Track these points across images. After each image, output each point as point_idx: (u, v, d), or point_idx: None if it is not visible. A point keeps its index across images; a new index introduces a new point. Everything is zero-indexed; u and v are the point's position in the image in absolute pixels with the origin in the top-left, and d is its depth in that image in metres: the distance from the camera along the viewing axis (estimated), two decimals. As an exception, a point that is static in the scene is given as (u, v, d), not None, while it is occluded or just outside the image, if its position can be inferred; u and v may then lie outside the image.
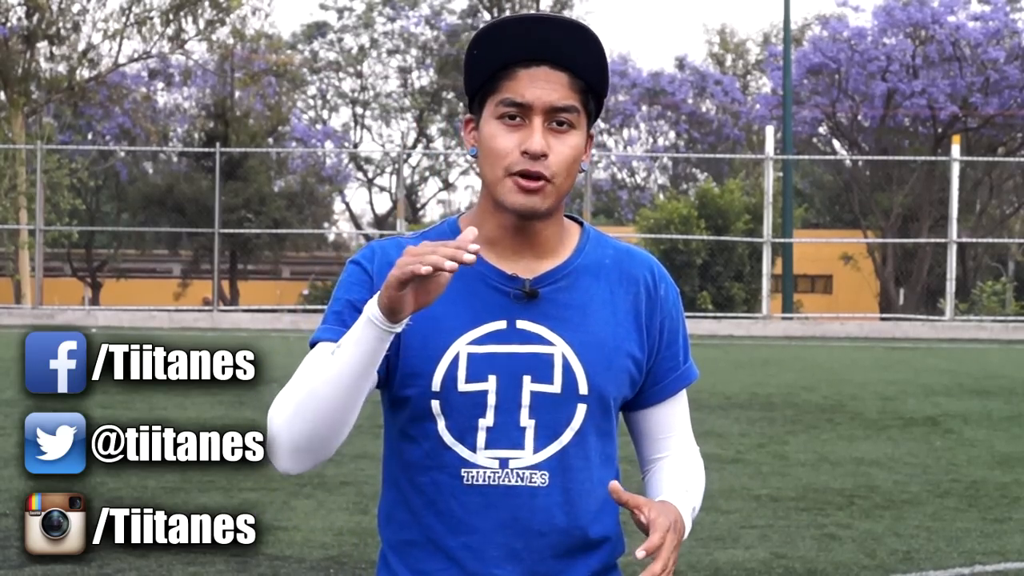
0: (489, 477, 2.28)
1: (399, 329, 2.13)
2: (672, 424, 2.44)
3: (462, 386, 2.27)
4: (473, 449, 2.28)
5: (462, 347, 2.28)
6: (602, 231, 2.48)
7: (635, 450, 2.49)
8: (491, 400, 2.28)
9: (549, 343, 2.30)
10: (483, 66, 2.28)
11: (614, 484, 2.21)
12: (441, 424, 2.28)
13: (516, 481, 2.28)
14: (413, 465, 2.31)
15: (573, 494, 2.31)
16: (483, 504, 2.28)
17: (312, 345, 2.29)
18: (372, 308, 2.12)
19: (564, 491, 2.30)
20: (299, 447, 2.20)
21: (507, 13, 52.33)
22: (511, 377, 2.28)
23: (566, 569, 2.32)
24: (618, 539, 2.41)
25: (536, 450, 2.29)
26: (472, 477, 2.28)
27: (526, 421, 2.28)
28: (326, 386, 2.16)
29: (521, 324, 2.30)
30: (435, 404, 2.28)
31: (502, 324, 2.30)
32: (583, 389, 2.30)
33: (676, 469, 2.41)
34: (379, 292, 2.12)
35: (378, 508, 2.42)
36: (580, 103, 2.28)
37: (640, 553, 2.16)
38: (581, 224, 2.42)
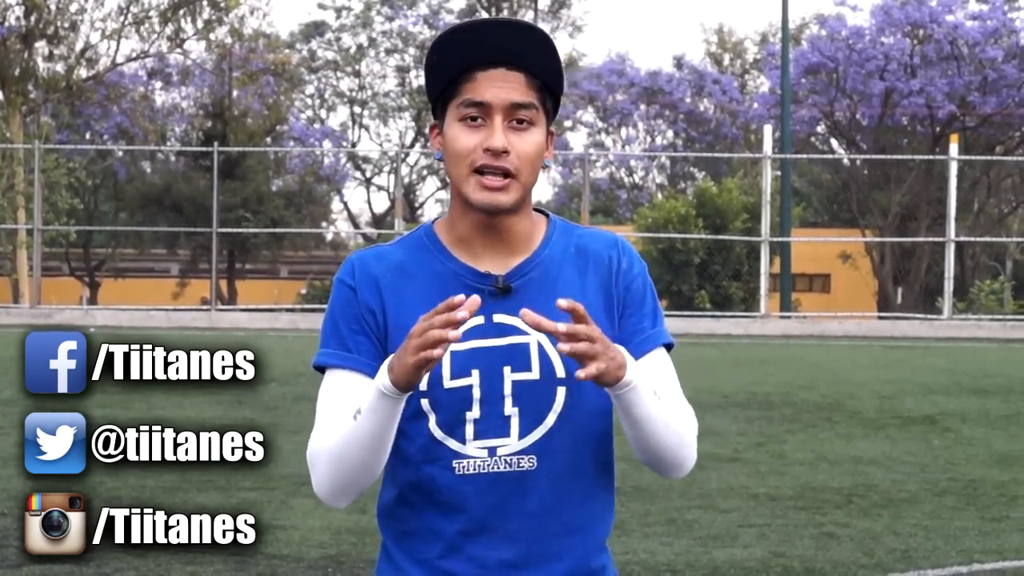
0: (479, 466, 2.38)
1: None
2: None
3: (447, 383, 2.37)
4: (463, 441, 2.38)
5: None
6: (570, 221, 2.56)
7: None
8: (476, 394, 2.38)
9: (524, 333, 2.39)
10: (443, 72, 2.41)
11: (524, 310, 2.25)
12: (432, 420, 2.38)
13: (504, 468, 2.38)
14: (409, 460, 2.41)
15: (561, 474, 2.40)
16: (475, 491, 2.38)
17: (318, 369, 2.43)
18: (384, 381, 2.25)
19: (552, 472, 2.39)
20: (338, 494, 2.38)
21: (504, 13, 52.45)
22: (492, 369, 2.38)
23: (562, 548, 2.41)
24: (610, 517, 2.49)
25: (521, 436, 2.38)
26: (463, 467, 2.38)
27: (510, 410, 2.38)
28: (352, 447, 2.32)
29: (497, 318, 2.40)
30: (424, 402, 2.38)
31: (480, 320, 2.39)
32: (560, 372, 2.39)
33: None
34: (389, 366, 2.25)
35: (378, 503, 2.49)
36: (538, 100, 2.39)
37: (563, 303, 2.21)
38: (548, 216, 2.52)
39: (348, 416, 2.32)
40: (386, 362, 2.27)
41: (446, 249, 2.44)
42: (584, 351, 2.20)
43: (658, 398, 2.35)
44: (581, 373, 2.21)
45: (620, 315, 2.45)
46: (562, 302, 2.21)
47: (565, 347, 2.20)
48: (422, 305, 2.35)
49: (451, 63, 2.38)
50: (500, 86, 2.36)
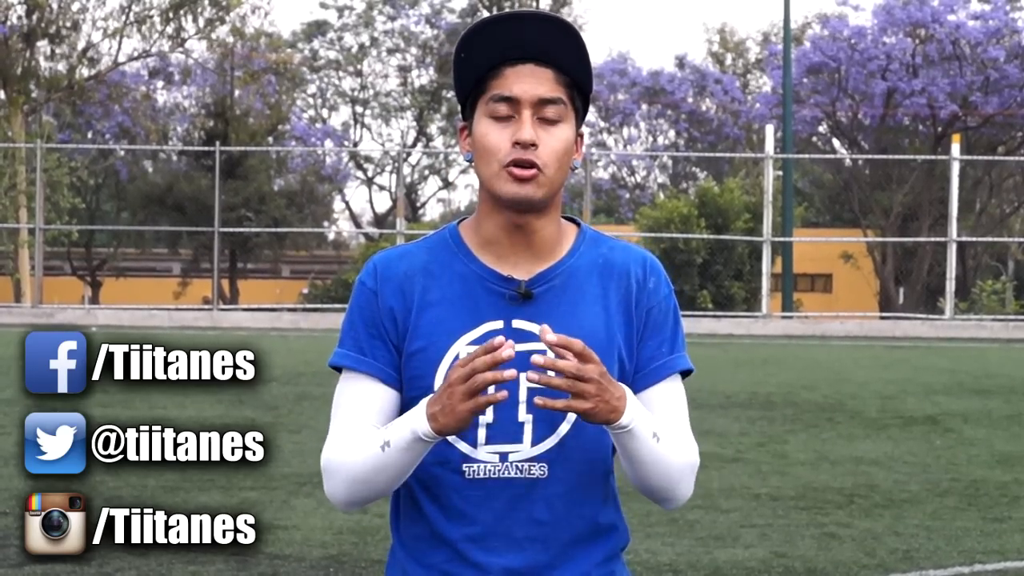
0: (489, 471, 2.35)
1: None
2: (657, 413, 2.41)
3: None
4: (474, 445, 2.35)
5: (461, 348, 2.36)
6: (603, 231, 2.53)
7: None
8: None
9: None
10: (471, 69, 2.37)
11: (544, 326, 2.25)
12: None
13: (515, 473, 2.35)
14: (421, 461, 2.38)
15: (572, 484, 2.38)
16: (483, 496, 2.35)
17: (333, 368, 2.42)
18: (424, 428, 2.24)
19: (563, 481, 2.37)
20: (352, 505, 2.39)
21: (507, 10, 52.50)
22: None
23: (569, 558, 2.39)
24: (622, 529, 2.48)
25: (535, 443, 2.36)
26: (473, 471, 2.36)
27: (524, 416, 2.35)
28: (378, 476, 2.32)
29: (517, 323, 2.37)
30: None
31: (498, 324, 2.37)
32: None
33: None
34: (431, 415, 2.23)
35: (390, 504, 2.48)
36: (567, 97, 2.36)
37: (551, 337, 2.21)
38: (579, 225, 2.48)
39: (373, 440, 2.30)
40: (423, 408, 2.25)
41: (470, 251, 2.41)
42: (568, 389, 2.21)
43: (657, 440, 2.32)
44: (539, 401, 2.22)
45: (640, 337, 2.42)
46: (551, 337, 2.20)
47: (561, 382, 2.20)
48: (443, 306, 2.36)
49: (479, 59, 2.35)
50: (528, 81, 2.33)
